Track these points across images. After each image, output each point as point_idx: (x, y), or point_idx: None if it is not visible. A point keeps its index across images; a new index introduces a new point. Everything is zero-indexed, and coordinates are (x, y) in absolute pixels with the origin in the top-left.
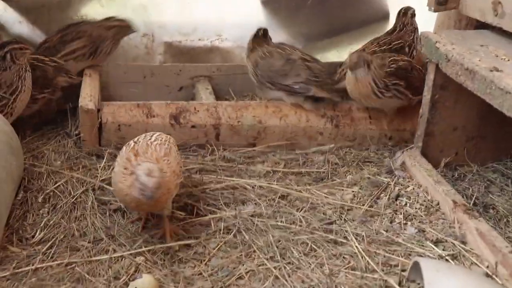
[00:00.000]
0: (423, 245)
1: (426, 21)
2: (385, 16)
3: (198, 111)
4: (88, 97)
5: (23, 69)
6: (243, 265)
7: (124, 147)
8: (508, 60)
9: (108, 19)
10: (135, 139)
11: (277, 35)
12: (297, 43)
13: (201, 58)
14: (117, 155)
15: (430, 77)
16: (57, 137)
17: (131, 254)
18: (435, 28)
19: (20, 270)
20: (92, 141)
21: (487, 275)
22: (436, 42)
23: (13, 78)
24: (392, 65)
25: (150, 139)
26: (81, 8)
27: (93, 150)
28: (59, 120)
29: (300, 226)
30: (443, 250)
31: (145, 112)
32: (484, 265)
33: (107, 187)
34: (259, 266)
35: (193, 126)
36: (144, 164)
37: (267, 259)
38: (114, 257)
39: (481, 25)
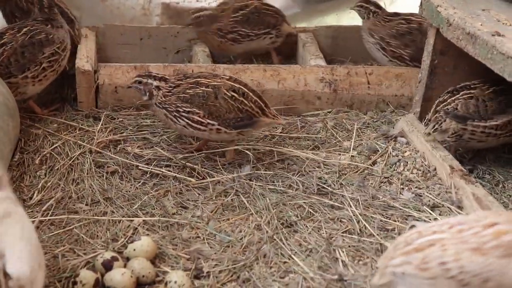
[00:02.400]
0: (419, 210)
1: None
2: None
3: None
4: (84, 58)
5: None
6: (240, 228)
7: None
8: (510, 25)
9: None
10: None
11: None
12: (296, 6)
13: None
14: None
15: (430, 41)
16: (53, 101)
17: (128, 216)
18: None
19: None
20: (89, 103)
21: None
22: (438, 6)
23: (64, 36)
24: None
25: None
26: None
27: (90, 113)
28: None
29: (297, 190)
30: (440, 214)
31: None
32: None
33: (102, 151)
34: (256, 229)
35: None
36: None
37: (264, 223)
38: (112, 219)
39: None
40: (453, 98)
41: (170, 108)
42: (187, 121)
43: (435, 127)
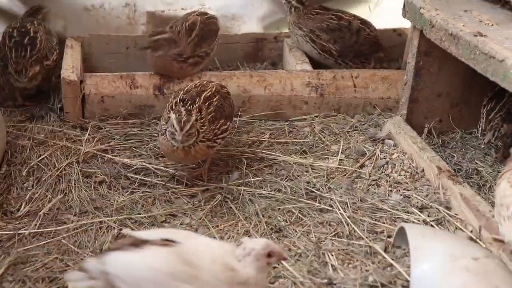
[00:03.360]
0: (408, 212)
1: None
2: None
3: (182, 81)
4: (70, 68)
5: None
6: (229, 234)
7: None
8: (492, 25)
9: None
10: None
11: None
12: (280, 12)
13: None
14: None
15: (414, 43)
16: (40, 111)
17: (117, 225)
18: None
19: (7, 243)
20: (76, 113)
21: (471, 239)
22: (421, 8)
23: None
24: None
25: None
26: None
27: (77, 123)
28: (41, 94)
29: (286, 194)
30: (428, 215)
31: (128, 83)
32: (468, 229)
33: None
34: (245, 235)
35: None
36: None
37: (253, 228)
38: (100, 228)
39: None
40: (501, 104)
41: (210, 135)
42: (222, 135)
43: (495, 135)
